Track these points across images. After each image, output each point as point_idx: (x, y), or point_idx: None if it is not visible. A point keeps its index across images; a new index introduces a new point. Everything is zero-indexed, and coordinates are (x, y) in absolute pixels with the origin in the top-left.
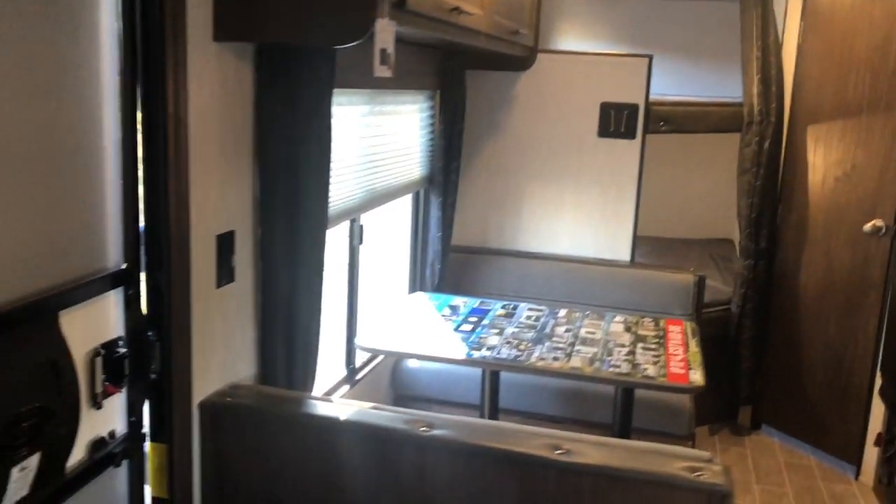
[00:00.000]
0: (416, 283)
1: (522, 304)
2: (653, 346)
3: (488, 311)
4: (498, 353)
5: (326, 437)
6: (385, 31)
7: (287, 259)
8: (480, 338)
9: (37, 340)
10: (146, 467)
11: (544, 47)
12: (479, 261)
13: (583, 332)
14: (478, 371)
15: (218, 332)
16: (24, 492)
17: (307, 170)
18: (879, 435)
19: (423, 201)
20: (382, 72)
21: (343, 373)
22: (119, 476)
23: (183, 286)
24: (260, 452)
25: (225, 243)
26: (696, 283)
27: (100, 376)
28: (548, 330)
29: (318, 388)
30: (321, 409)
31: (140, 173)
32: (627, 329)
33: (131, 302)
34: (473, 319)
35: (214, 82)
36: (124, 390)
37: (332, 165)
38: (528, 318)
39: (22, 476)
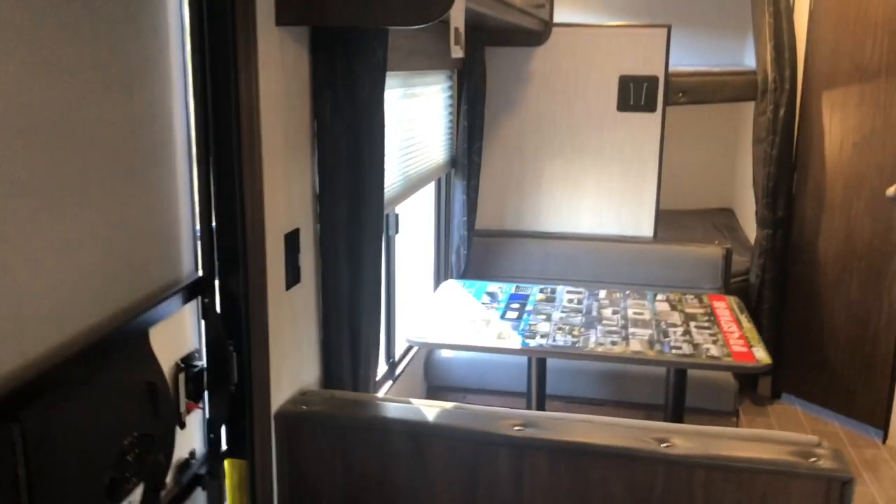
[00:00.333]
0: (441, 270)
1: (560, 287)
2: (706, 325)
3: (527, 296)
4: (554, 341)
5: (411, 442)
6: (458, 9)
7: (347, 255)
8: (530, 325)
9: (133, 363)
10: (224, 486)
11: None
12: (501, 244)
13: (630, 313)
14: (514, 357)
15: (288, 336)
16: None
17: (366, 159)
18: None
19: (446, 186)
20: (457, 52)
21: (384, 367)
22: (199, 499)
23: (260, 290)
24: (341, 462)
25: (292, 242)
26: (725, 257)
27: (183, 393)
28: (594, 313)
29: None
30: (402, 412)
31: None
32: (673, 307)
33: (208, 311)
34: (516, 306)
35: (278, 69)
36: (203, 405)
37: None
38: (570, 301)
39: None
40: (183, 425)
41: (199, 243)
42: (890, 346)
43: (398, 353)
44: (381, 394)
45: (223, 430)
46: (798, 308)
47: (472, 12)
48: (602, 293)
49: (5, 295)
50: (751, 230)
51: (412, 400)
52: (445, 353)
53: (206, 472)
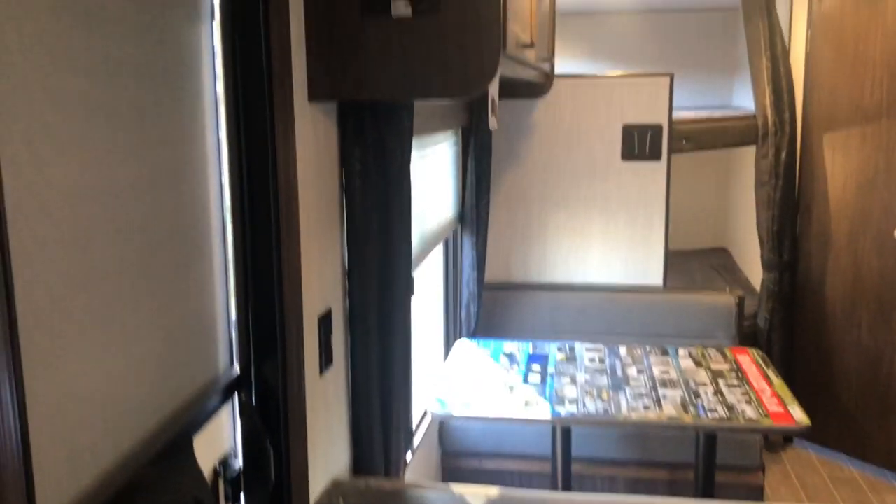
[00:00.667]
0: (452, 329)
1: (578, 344)
2: (735, 383)
3: (546, 355)
4: (584, 406)
5: None
6: (495, 80)
7: (378, 330)
8: (555, 390)
9: (180, 477)
10: None
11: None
12: (510, 297)
13: (656, 372)
14: None
15: (322, 423)
16: None
17: (396, 230)
18: None
19: (453, 242)
20: (493, 123)
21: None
22: None
23: (297, 378)
24: None
25: (325, 324)
26: (738, 305)
27: (223, 500)
28: (619, 373)
29: None
30: (444, 502)
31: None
32: (698, 364)
33: (246, 409)
34: (537, 368)
35: (311, 144)
36: None
37: None
38: (591, 360)
39: None
40: None
41: (234, 334)
42: None
43: (414, 419)
44: (417, 473)
45: None
46: (808, 351)
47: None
48: (622, 350)
49: (55, 418)
50: (749, 270)
51: (451, 485)
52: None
53: None
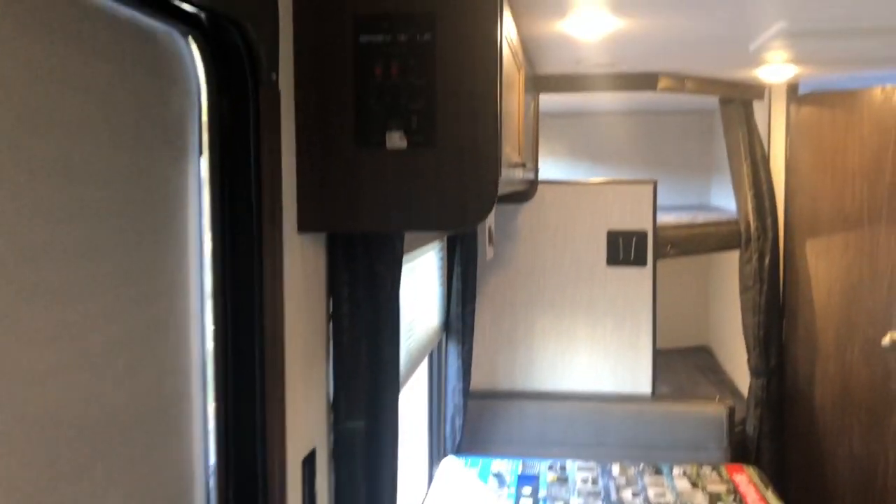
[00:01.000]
0: (436, 443)
1: (569, 462)
2: None
3: (537, 476)
4: None
5: None
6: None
7: (364, 471)
8: None
9: None
10: None
11: None
12: (496, 406)
13: (651, 494)
14: None
15: None
16: None
17: (385, 360)
18: None
19: (438, 351)
20: (490, 253)
21: None
22: None
23: None
24: None
25: (309, 467)
26: (728, 416)
27: None
28: (613, 496)
29: None
30: None
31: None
32: (694, 485)
33: None
34: (527, 491)
35: (298, 274)
36: None
37: None
38: (584, 480)
39: None
40: None
41: (212, 482)
42: None
43: None
44: None
45: None
46: (799, 460)
47: None
48: (615, 469)
49: None
50: (732, 371)
51: None
52: None
53: None
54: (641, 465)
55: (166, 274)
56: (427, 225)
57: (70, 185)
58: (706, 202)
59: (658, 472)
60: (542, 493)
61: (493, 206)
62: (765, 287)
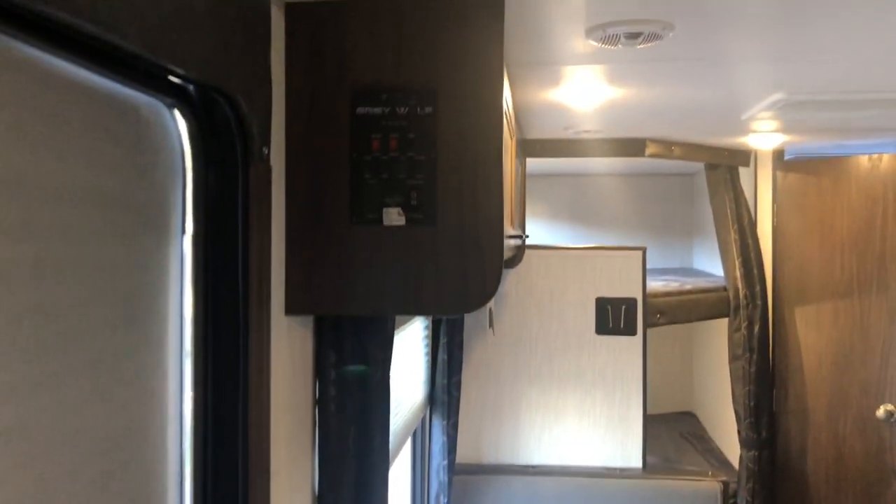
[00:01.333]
0: None
1: None
2: None
3: None
4: None
5: None
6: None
7: None
8: None
9: None
10: None
11: None
12: (481, 484)
13: None
14: None
15: None
16: None
17: (375, 446)
18: None
19: (422, 426)
20: (491, 333)
21: None
22: None
23: None
24: None
25: None
26: (723, 492)
27: None
28: None
29: None
30: None
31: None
32: None
33: None
34: None
35: (284, 358)
36: None
37: None
38: None
39: None
40: None
41: None
42: None
43: None
44: None
45: None
46: None
47: None
48: None
49: None
50: (719, 438)
51: None
52: None
53: None
54: None
55: (142, 363)
56: (426, 309)
57: (33, 280)
58: (688, 265)
59: None
60: None
61: (497, 288)
62: (755, 356)
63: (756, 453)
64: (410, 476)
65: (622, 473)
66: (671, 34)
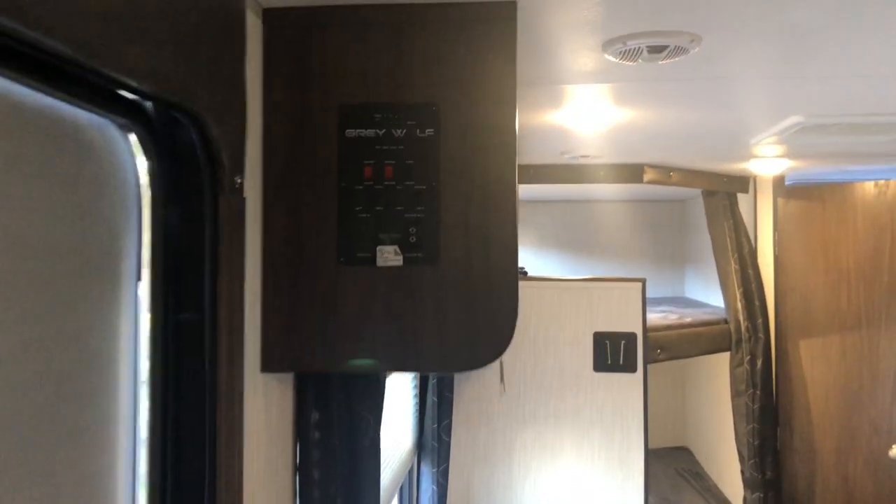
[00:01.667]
0: None
1: None
2: None
3: None
4: None
5: None
6: None
7: None
8: None
9: None
10: None
11: None
12: None
13: None
14: None
15: None
16: None
17: None
18: None
19: (409, 474)
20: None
21: None
22: None
23: None
24: None
25: None
26: None
27: None
28: None
29: None
30: None
31: None
32: None
33: None
34: None
35: (260, 424)
36: None
37: None
38: None
39: None
40: None
41: None
42: None
43: None
44: None
45: None
46: None
47: None
48: None
49: None
50: (718, 475)
51: None
52: None
53: None
54: None
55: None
56: (428, 366)
57: None
58: (680, 293)
59: None
60: None
61: (510, 340)
62: (758, 392)
63: (761, 495)
64: None
65: None
66: (697, 49)
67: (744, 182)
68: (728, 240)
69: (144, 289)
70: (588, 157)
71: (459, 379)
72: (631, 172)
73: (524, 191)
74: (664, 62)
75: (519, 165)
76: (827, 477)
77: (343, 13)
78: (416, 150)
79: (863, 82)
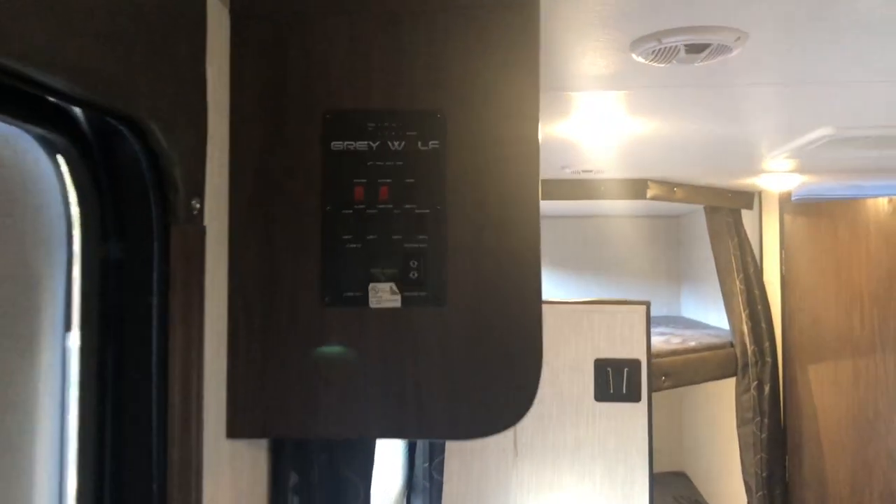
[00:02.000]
0: None
1: None
2: None
3: None
4: None
5: None
6: None
7: None
8: None
9: None
10: None
11: None
12: None
13: None
14: None
15: None
16: None
17: None
18: None
19: None
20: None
21: None
22: None
23: None
24: None
25: None
26: None
27: None
28: None
29: None
30: None
31: None
32: None
33: None
34: None
35: (226, 496)
36: None
37: None
38: None
39: None
40: None
41: None
42: None
43: None
44: None
45: None
46: None
47: None
48: None
49: None
50: (714, 501)
51: None
52: None
53: None
54: None
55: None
56: (432, 432)
57: None
58: (676, 312)
59: None
60: None
61: (532, 401)
62: (766, 420)
63: None
64: None
65: None
66: (740, 49)
67: (748, 198)
68: (733, 258)
69: (73, 344)
70: (591, 171)
71: None
72: (634, 188)
73: None
74: (701, 64)
75: None
76: None
77: (327, 2)
78: (418, 166)
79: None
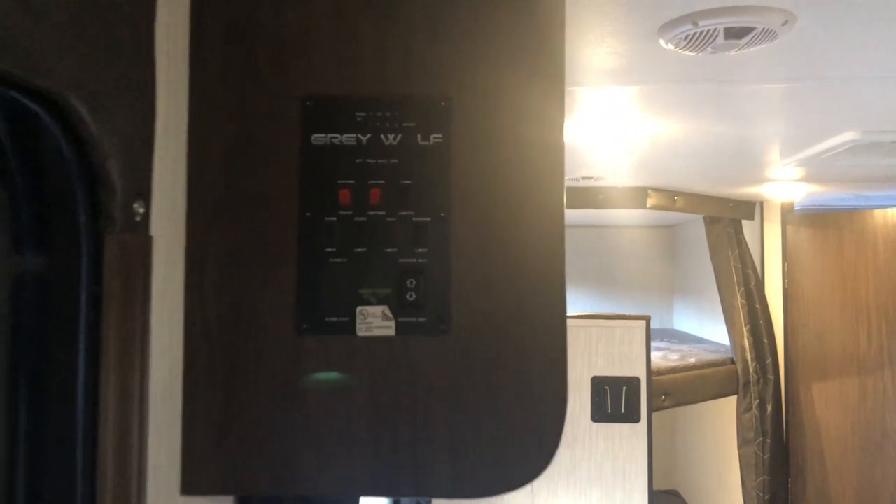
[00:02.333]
0: None
1: None
2: None
3: None
4: None
5: None
6: None
7: None
8: None
9: None
10: None
11: None
12: None
13: None
14: None
15: None
16: None
17: None
18: None
19: None
20: None
21: None
22: None
23: None
24: None
25: None
26: None
27: None
28: None
29: None
30: None
31: None
32: None
33: None
34: None
35: None
36: None
37: None
38: None
39: None
40: None
41: None
42: None
43: None
44: None
45: None
46: None
47: None
48: None
49: None
50: None
51: None
52: None
53: None
54: None
55: None
56: (431, 490)
57: None
58: (668, 325)
59: None
60: None
61: (556, 449)
62: (768, 440)
63: None
64: None
65: None
66: (787, 35)
67: (749, 208)
68: (733, 270)
69: None
70: (591, 178)
71: None
72: (634, 196)
73: None
74: (739, 52)
75: None
76: None
77: None
78: (417, 164)
79: None
